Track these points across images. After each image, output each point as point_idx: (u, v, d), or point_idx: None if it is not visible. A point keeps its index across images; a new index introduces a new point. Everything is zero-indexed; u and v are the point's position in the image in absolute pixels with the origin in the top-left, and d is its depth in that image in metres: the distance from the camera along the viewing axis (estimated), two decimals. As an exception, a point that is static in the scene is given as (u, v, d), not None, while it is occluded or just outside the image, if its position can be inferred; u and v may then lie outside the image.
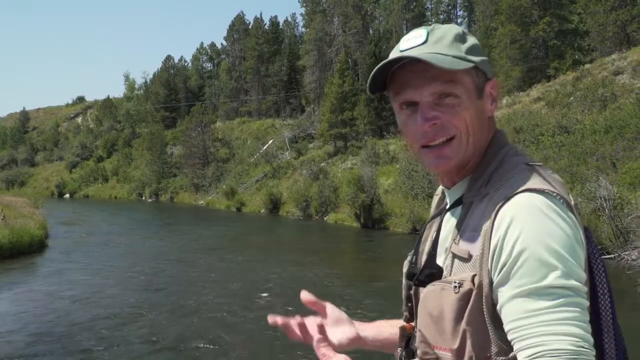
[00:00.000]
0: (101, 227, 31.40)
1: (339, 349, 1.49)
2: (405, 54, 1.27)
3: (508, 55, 41.16)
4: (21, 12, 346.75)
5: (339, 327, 1.56)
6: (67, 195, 79.38)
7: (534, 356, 1.03)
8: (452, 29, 1.31)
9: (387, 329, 1.61)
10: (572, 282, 1.06)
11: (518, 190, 1.15)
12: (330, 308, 1.58)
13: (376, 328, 1.62)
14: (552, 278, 1.05)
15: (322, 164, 41.96)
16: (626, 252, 14.21)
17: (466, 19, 71.72)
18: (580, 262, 1.10)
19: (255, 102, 73.87)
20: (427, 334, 1.27)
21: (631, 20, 34.85)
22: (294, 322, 1.49)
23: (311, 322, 1.51)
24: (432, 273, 1.33)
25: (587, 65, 32.85)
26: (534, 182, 1.17)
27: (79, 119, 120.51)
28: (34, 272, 17.42)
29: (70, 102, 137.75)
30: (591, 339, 1.05)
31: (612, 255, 14.79)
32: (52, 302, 12.91)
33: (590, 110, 25.56)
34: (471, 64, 1.26)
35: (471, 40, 1.32)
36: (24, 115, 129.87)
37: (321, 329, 1.40)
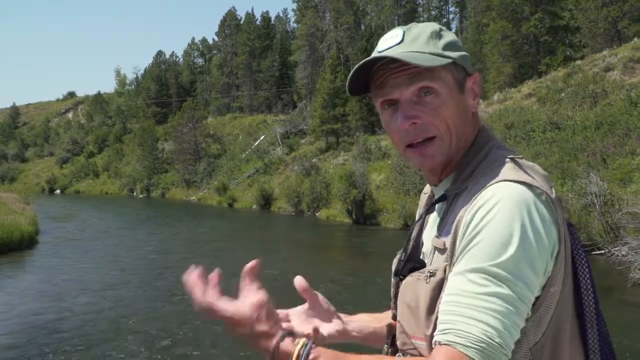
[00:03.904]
0: (92, 223, 31.28)
1: (328, 340, 1.49)
2: (383, 54, 1.29)
3: (499, 52, 41.29)
4: (11, 7, 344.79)
5: (329, 319, 1.54)
6: (58, 191, 79.13)
7: (444, 331, 1.08)
8: (428, 27, 1.33)
9: (370, 323, 1.61)
10: (514, 278, 1.08)
11: (495, 181, 1.17)
12: (321, 299, 1.55)
13: (360, 322, 1.60)
14: (497, 266, 1.08)
15: (313, 160, 41.91)
16: (616, 248, 14.25)
17: (457, 15, 71.80)
18: (535, 260, 1.10)
19: (247, 97, 73.86)
20: (405, 325, 1.30)
21: (622, 17, 34.98)
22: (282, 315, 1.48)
23: (295, 313, 1.53)
24: (415, 267, 1.36)
25: (578, 62, 32.95)
26: (513, 173, 1.18)
27: (70, 115, 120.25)
28: (24, 268, 17.35)
29: (60, 97, 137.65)
30: (509, 339, 1.07)
31: (602, 251, 14.83)
32: (42, 298, 12.85)
33: (581, 106, 25.62)
34: (448, 60, 1.28)
35: (448, 36, 1.33)
36: (14, 111, 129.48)
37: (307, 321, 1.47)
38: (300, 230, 27.28)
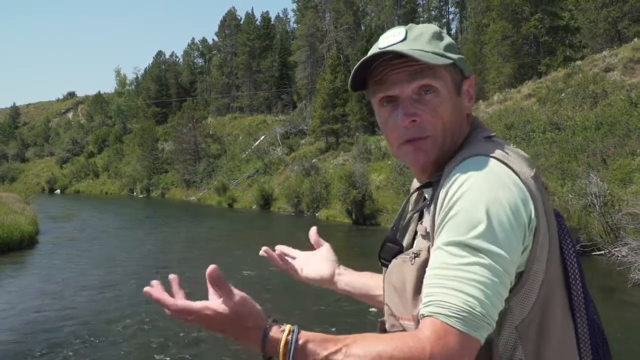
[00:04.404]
0: (92, 223, 31.28)
1: (302, 279, 1.76)
2: (388, 49, 1.30)
3: (499, 52, 41.25)
4: (11, 7, 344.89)
5: (319, 264, 1.75)
6: (58, 191, 79.12)
7: (426, 303, 1.11)
8: (430, 28, 1.36)
9: (367, 280, 1.73)
10: (493, 248, 1.10)
11: (467, 155, 1.21)
12: (325, 248, 1.80)
13: (356, 277, 1.75)
14: (472, 237, 1.10)
15: (313, 160, 41.90)
16: (616, 249, 14.25)
17: (457, 15, 71.81)
18: (508, 230, 1.12)
19: (247, 97, 73.85)
20: (393, 307, 1.33)
21: (622, 17, 34.98)
22: (277, 252, 1.76)
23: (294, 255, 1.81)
24: (397, 251, 1.40)
25: (578, 62, 32.93)
26: (486, 149, 1.22)
27: (70, 115, 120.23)
28: (24, 268, 17.35)
29: (61, 97, 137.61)
30: (491, 309, 1.09)
31: (602, 252, 14.84)
32: (42, 297, 12.86)
33: (581, 106, 25.61)
34: (450, 60, 1.30)
35: (448, 39, 1.36)
36: (15, 111, 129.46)
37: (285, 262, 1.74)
38: (299, 231, 27.06)
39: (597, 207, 15.45)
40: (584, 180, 16.80)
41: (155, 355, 8.94)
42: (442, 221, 1.15)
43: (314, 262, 1.76)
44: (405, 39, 1.31)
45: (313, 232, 1.85)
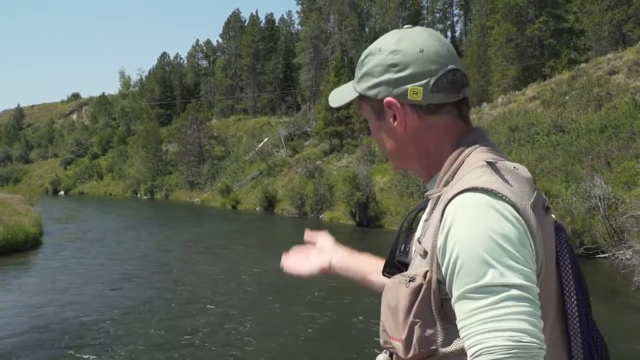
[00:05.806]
0: (96, 225, 31.32)
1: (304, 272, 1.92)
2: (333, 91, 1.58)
3: (504, 54, 41.20)
4: (16, 9, 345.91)
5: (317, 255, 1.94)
6: (62, 193, 79.21)
7: (473, 356, 1.06)
8: (364, 52, 1.40)
9: (366, 267, 1.81)
10: (512, 280, 1.06)
11: (463, 189, 1.16)
12: (320, 239, 1.99)
13: (357, 262, 1.85)
14: (490, 277, 1.07)
15: (317, 162, 41.90)
16: (620, 252, 14.24)
17: (462, 17, 71.81)
18: (521, 260, 1.09)
19: (251, 99, 73.89)
20: (386, 324, 1.32)
21: (627, 20, 34.92)
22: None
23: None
24: (397, 267, 1.44)
25: (583, 65, 32.86)
26: (483, 180, 1.17)
27: (74, 116, 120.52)
28: (28, 269, 17.38)
29: (65, 98, 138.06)
30: (537, 333, 1.05)
31: (606, 255, 14.83)
32: (46, 299, 12.87)
33: (586, 109, 25.58)
34: (347, 100, 1.46)
35: (369, 63, 1.36)
36: (19, 112, 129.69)
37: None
38: (303, 232, 27.17)
39: (601, 209, 15.45)
40: (588, 183, 16.80)
41: (159, 353, 8.95)
42: (452, 273, 1.13)
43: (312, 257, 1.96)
44: None
45: (307, 233, 2.07)
